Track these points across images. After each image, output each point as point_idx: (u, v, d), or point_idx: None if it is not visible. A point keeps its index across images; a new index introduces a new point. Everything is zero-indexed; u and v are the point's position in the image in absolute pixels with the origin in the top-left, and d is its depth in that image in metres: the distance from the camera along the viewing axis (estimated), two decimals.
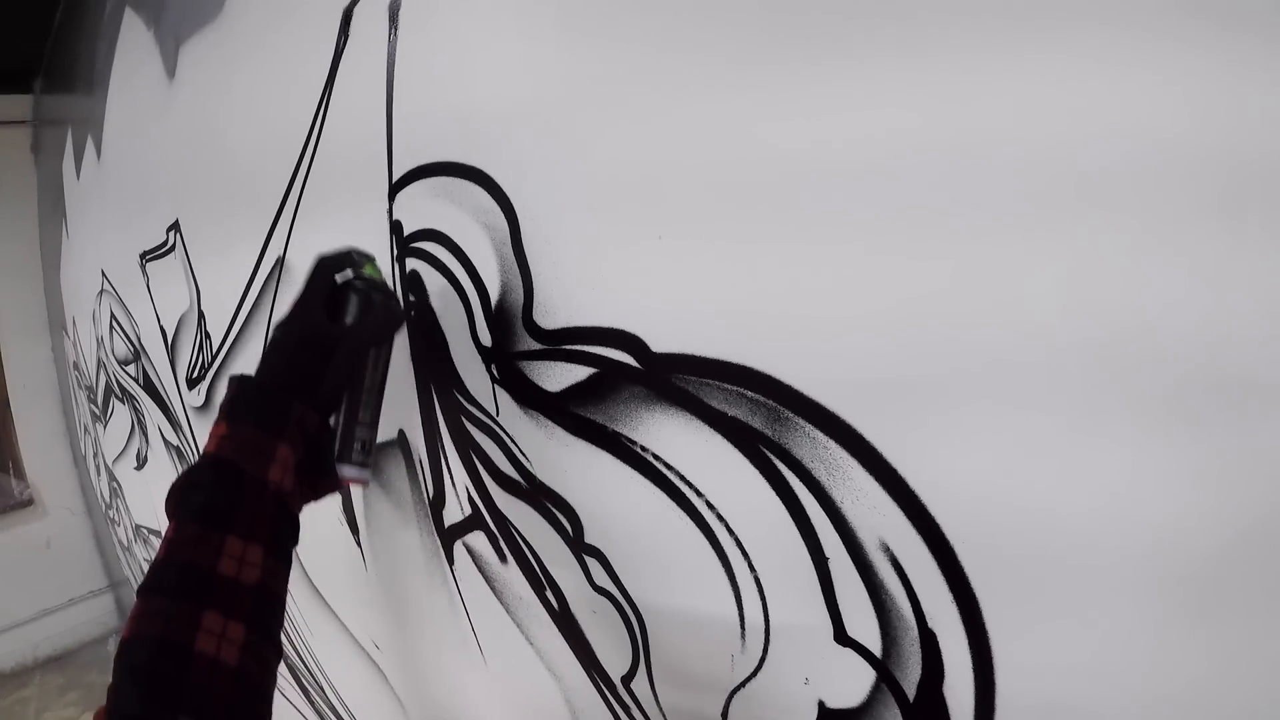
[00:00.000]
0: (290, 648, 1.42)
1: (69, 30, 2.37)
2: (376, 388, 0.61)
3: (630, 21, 0.49)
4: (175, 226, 1.36)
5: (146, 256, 1.57)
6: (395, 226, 0.70)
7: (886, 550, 0.45)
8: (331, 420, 0.59)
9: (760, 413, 0.46)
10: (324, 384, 0.56)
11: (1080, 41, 0.33)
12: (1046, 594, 0.41)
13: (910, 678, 0.47)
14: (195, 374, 1.39)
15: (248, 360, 1.12)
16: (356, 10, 0.73)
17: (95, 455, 2.90)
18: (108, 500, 2.93)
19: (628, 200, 0.50)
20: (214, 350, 1.25)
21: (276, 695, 1.60)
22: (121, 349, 2.00)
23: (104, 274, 2.01)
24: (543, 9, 0.54)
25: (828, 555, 0.47)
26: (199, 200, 1.23)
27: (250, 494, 0.51)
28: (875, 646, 0.48)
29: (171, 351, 1.52)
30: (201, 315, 1.30)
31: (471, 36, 0.60)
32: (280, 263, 0.95)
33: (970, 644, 0.44)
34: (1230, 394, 0.32)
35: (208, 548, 0.48)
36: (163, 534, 0.50)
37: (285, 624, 1.36)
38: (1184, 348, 0.33)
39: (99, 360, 2.33)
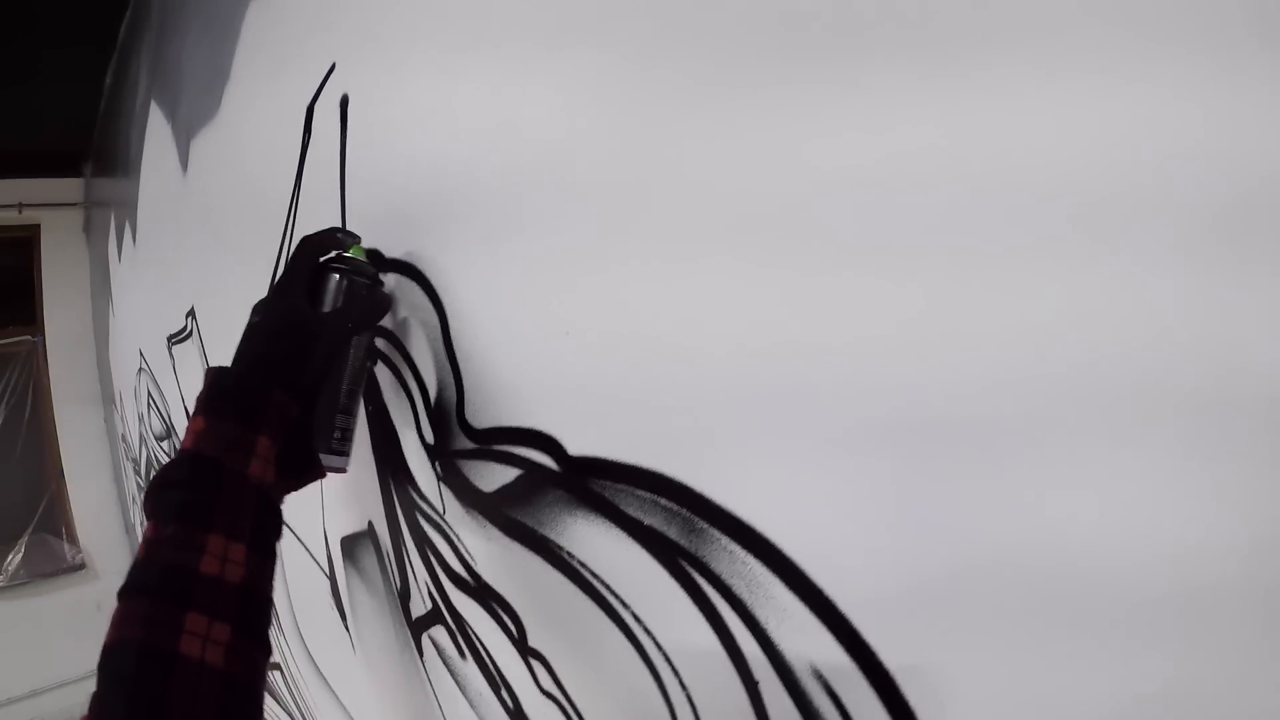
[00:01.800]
0: None
1: (111, 117, 2.49)
2: (357, 375, 0.58)
3: (548, 119, 0.48)
4: (192, 313, 1.40)
5: (172, 340, 1.61)
6: None
7: (819, 677, 0.40)
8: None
9: (675, 523, 0.43)
10: (305, 372, 0.53)
11: (1097, 60, 0.29)
12: None
13: None
14: None
15: None
16: (317, 106, 0.74)
17: (142, 524, 2.96)
18: None
19: (539, 294, 0.48)
20: None
21: None
22: (158, 425, 2.05)
23: (141, 354, 2.07)
24: (464, 100, 0.54)
25: (757, 679, 0.43)
26: (209, 289, 1.26)
27: (230, 490, 0.49)
28: None
29: None
30: None
31: (404, 127, 0.60)
32: None
33: None
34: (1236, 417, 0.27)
35: (189, 547, 0.46)
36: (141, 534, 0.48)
37: (298, 699, 1.35)
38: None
39: (140, 435, 2.39)
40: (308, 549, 0.97)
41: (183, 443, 0.51)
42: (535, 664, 0.58)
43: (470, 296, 0.54)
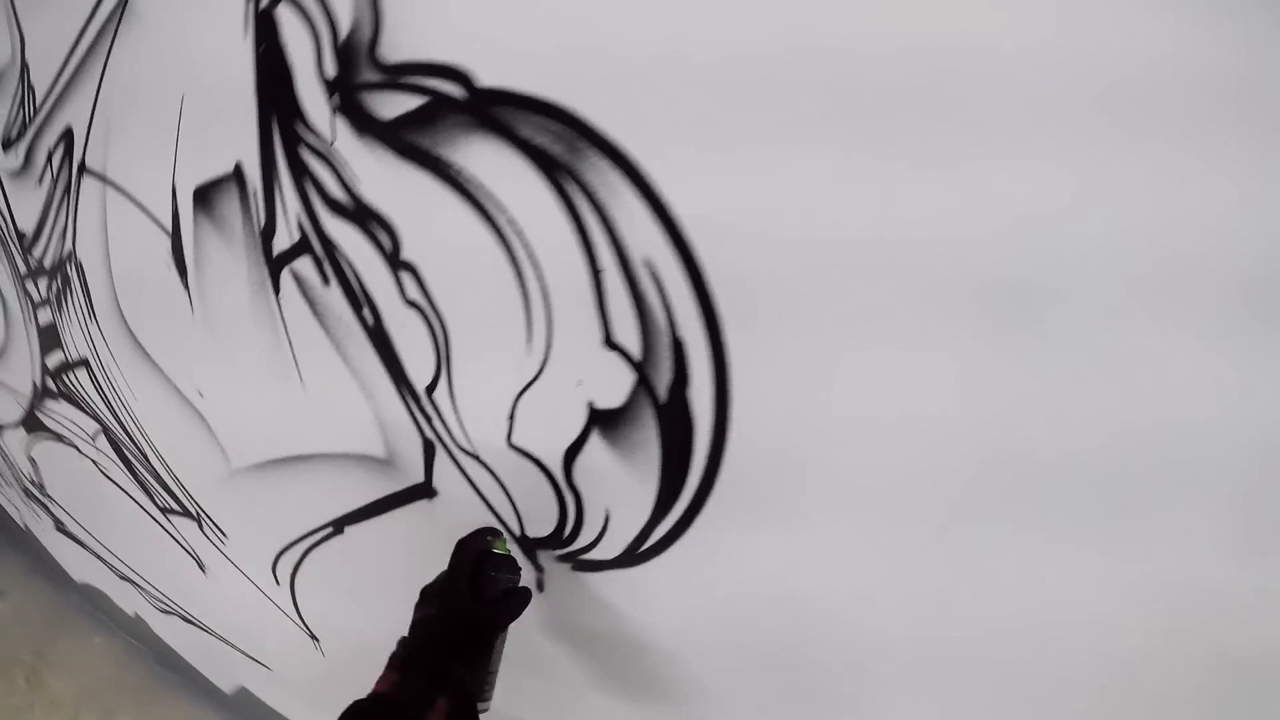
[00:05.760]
0: (114, 419, 1.34)
1: None
2: (500, 647, 0.70)
3: None
4: None
5: None
6: None
7: (649, 266, 0.52)
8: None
9: (561, 142, 0.52)
10: (473, 653, 0.65)
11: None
12: (794, 321, 0.48)
13: (663, 380, 0.55)
14: (14, 133, 1.23)
15: (75, 112, 1.01)
16: None
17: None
18: None
19: None
20: (40, 102, 1.11)
21: (104, 481, 1.51)
22: None
23: None
24: None
25: (602, 268, 0.54)
26: None
27: None
28: (636, 351, 0.56)
29: None
30: (25, 66, 1.14)
31: None
32: (123, 2, 0.87)
33: (711, 354, 0.52)
34: None
35: None
36: None
37: (107, 393, 1.28)
38: None
39: None
40: (146, 210, 0.92)
41: (377, 686, 0.61)
42: (404, 275, 0.65)
43: None
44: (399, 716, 0.59)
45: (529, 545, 0.75)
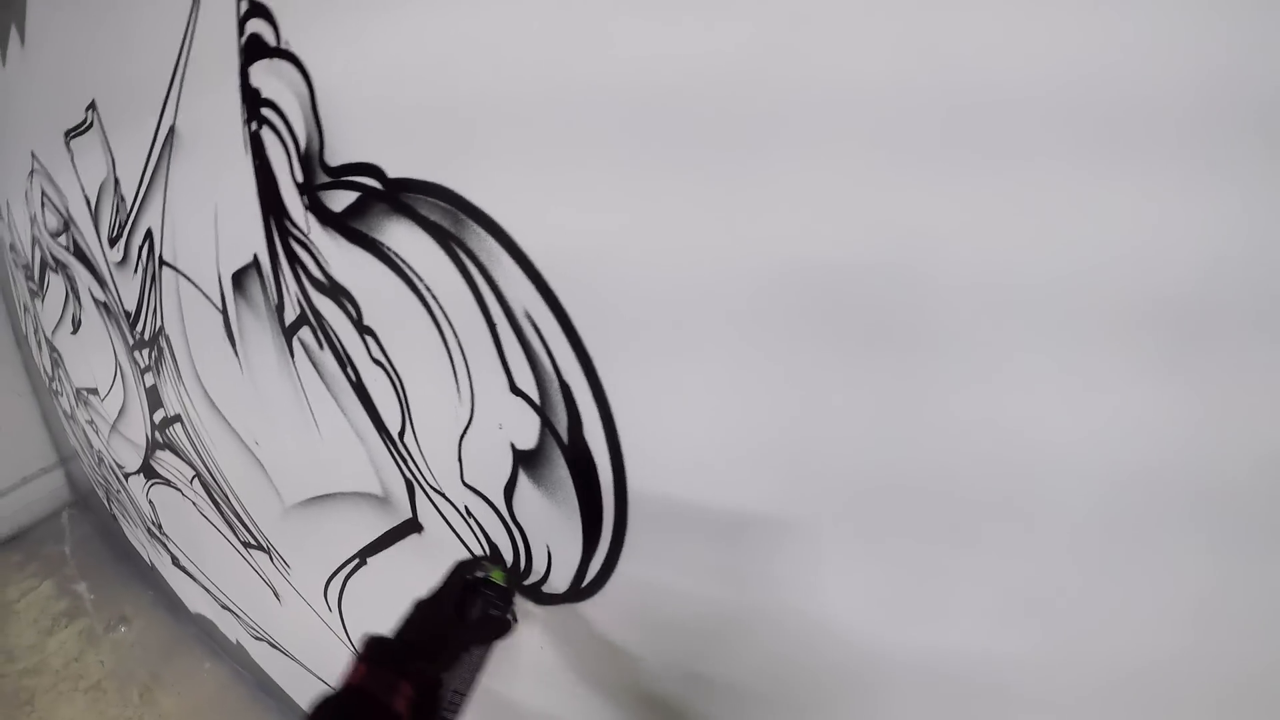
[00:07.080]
0: (203, 465, 1.56)
1: None
2: (474, 668, 0.74)
3: None
4: (93, 105, 1.43)
5: (70, 134, 1.62)
6: (249, 95, 0.82)
7: (529, 318, 0.61)
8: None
9: (448, 217, 0.63)
10: (439, 657, 0.69)
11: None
12: (657, 346, 0.52)
13: (562, 423, 0.63)
14: (115, 232, 1.48)
15: (152, 217, 1.23)
16: None
17: (35, 331, 2.88)
18: (50, 373, 2.92)
19: (374, 71, 0.65)
20: (128, 209, 1.35)
21: (198, 516, 1.74)
22: (53, 222, 2.03)
23: (34, 155, 2.01)
24: None
25: (495, 321, 0.63)
26: (111, 81, 1.30)
27: (378, 716, 0.62)
28: (535, 396, 0.63)
29: (95, 216, 1.59)
30: (117, 181, 1.38)
31: None
32: (172, 130, 1.06)
33: (594, 396, 0.59)
34: None
35: None
36: None
37: (196, 443, 1.50)
38: None
39: (33, 237, 2.34)
40: (205, 293, 1.11)
41: (347, 678, 0.65)
42: (369, 338, 0.78)
43: (332, 73, 0.69)
44: (366, 703, 0.63)
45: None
